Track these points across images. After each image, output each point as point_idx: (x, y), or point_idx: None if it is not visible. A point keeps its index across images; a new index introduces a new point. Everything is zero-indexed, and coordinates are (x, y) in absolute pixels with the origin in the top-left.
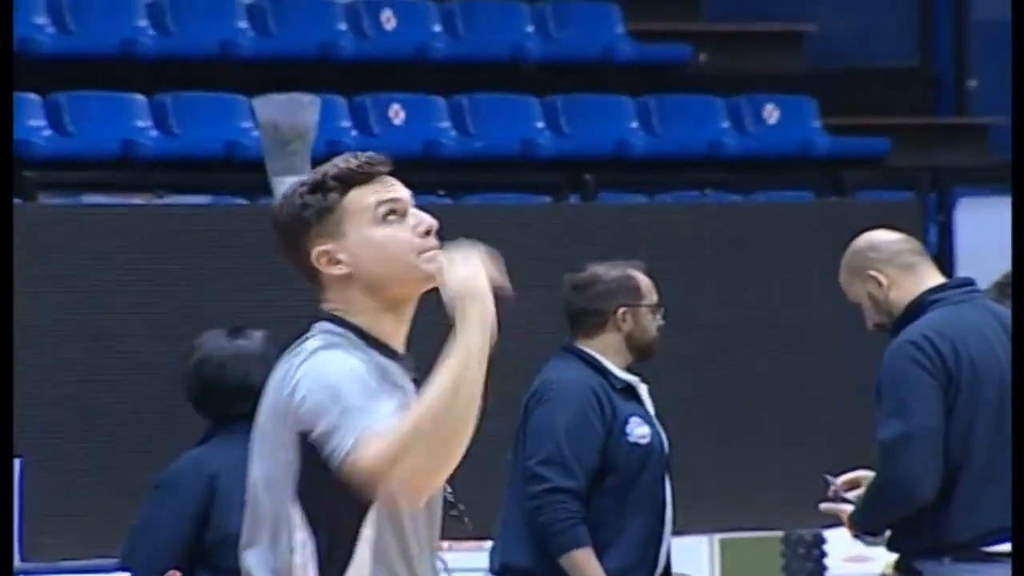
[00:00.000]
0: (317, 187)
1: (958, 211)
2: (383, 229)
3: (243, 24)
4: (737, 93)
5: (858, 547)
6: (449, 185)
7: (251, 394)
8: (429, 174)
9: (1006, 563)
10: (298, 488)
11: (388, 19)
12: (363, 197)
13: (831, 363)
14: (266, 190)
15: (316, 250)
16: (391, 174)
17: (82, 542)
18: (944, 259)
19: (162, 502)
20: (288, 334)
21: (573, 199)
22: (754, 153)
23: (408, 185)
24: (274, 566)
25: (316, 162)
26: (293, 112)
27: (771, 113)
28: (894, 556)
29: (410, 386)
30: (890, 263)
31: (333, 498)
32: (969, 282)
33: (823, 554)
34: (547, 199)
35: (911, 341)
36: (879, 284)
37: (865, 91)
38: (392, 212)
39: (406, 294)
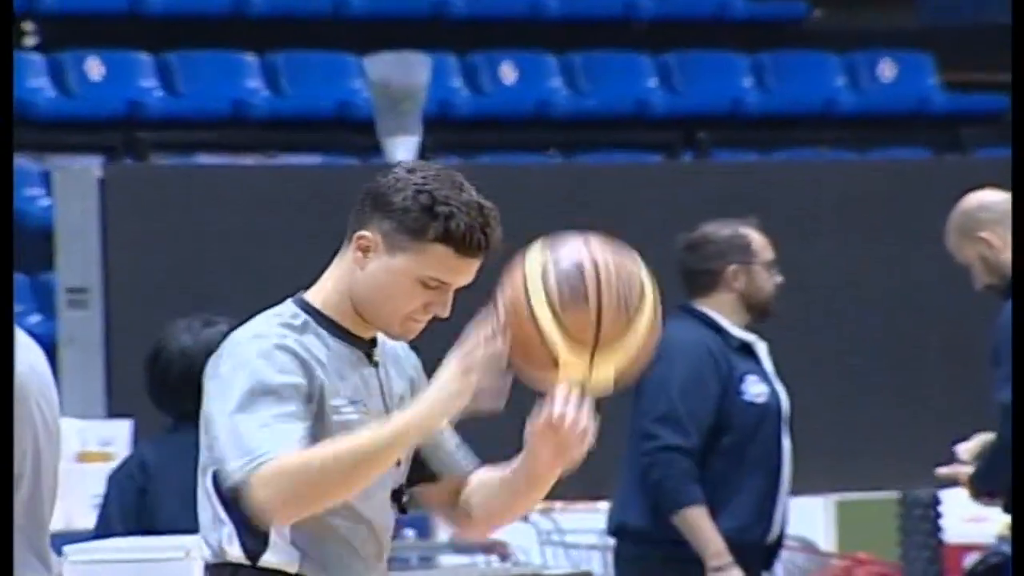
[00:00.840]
0: (429, 212)
1: None
2: (412, 284)
3: None
4: (852, 49)
5: (975, 508)
6: (561, 144)
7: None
8: (541, 133)
9: None
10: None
11: None
12: (436, 259)
13: (947, 322)
14: (377, 149)
15: (370, 233)
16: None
17: None
18: None
19: (108, 498)
20: None
21: (687, 157)
22: (870, 110)
23: (520, 145)
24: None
25: (427, 121)
26: (404, 71)
27: (887, 69)
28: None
29: (369, 370)
30: (1001, 223)
31: None
32: None
33: (939, 515)
34: (660, 157)
35: None
36: (990, 245)
37: (983, 47)
38: (434, 287)
39: (371, 325)
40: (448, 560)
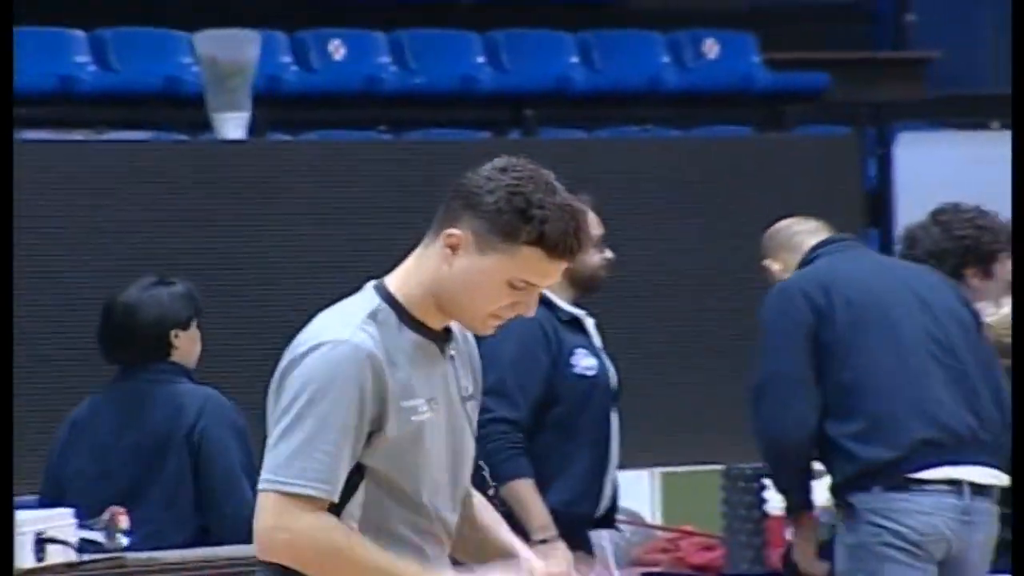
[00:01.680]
0: (523, 215)
1: (897, 145)
2: (500, 284)
3: None
4: (677, 28)
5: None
6: (390, 121)
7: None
8: (369, 110)
9: (938, 493)
10: None
11: None
12: (527, 261)
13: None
14: (206, 125)
15: (460, 232)
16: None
17: None
18: (883, 193)
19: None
20: (222, 276)
21: (514, 134)
22: (694, 88)
23: (349, 121)
24: None
25: (256, 97)
26: (233, 48)
27: (711, 48)
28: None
29: (445, 363)
30: (783, 248)
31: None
32: (850, 237)
33: (762, 488)
34: (488, 134)
35: (779, 290)
36: (777, 269)
37: (805, 26)
38: (521, 288)
39: (443, 315)
40: None
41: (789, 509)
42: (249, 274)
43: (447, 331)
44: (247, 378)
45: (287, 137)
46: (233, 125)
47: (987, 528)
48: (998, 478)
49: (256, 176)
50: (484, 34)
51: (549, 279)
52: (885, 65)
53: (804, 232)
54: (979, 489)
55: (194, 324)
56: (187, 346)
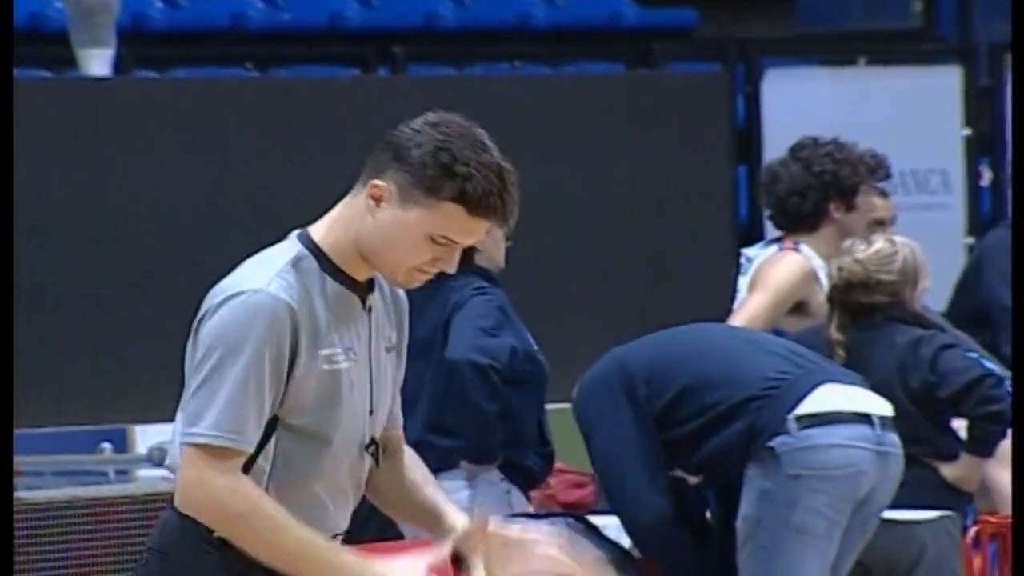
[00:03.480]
0: (447, 171)
1: (765, 82)
2: (421, 238)
3: None
4: None
5: None
6: (257, 58)
7: None
8: (236, 47)
9: (851, 423)
10: None
11: None
12: (448, 217)
13: (639, 235)
14: (71, 62)
15: (384, 183)
16: None
17: None
18: (752, 130)
19: None
20: (87, 215)
21: (382, 71)
22: (563, 25)
23: (215, 59)
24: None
25: (122, 34)
26: None
27: None
28: None
29: (363, 315)
30: None
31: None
32: None
33: None
34: (356, 71)
35: None
36: None
37: None
38: (443, 244)
39: (368, 267)
40: (146, 473)
41: None
42: (114, 213)
43: (370, 282)
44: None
45: (153, 74)
46: (98, 62)
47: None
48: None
49: (121, 113)
50: None
51: (471, 237)
52: (753, 2)
53: None
54: (886, 421)
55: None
56: (490, 250)
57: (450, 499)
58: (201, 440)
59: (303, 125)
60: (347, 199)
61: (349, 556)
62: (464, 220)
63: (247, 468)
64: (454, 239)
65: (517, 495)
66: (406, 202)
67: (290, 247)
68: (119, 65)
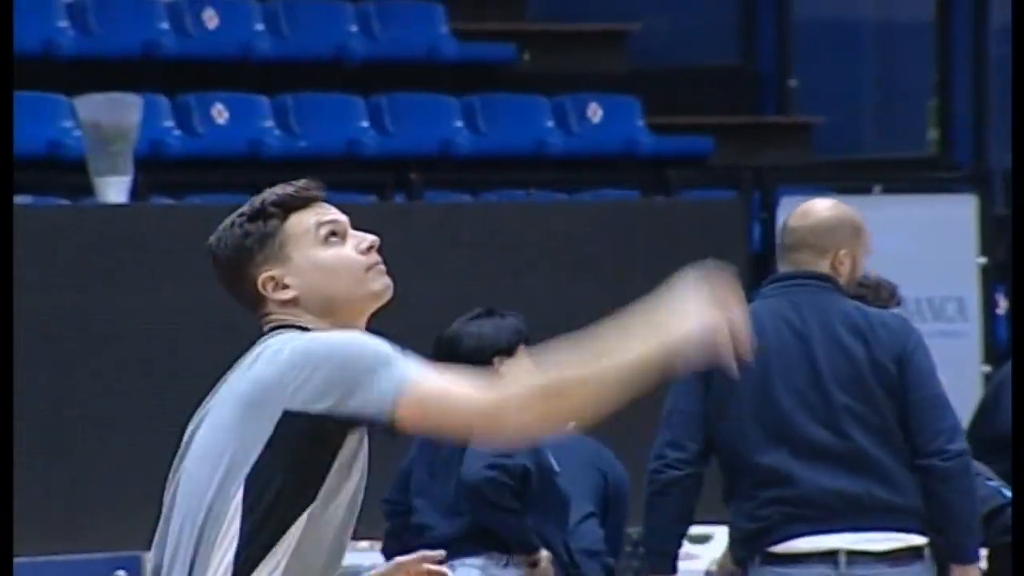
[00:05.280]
0: (256, 215)
1: (781, 209)
2: (328, 250)
3: (64, 23)
4: (561, 93)
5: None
6: (273, 184)
7: None
8: (253, 174)
9: (812, 565)
10: (249, 475)
11: (211, 18)
12: (303, 220)
13: None
14: (88, 190)
15: (262, 277)
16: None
17: None
18: (768, 257)
19: None
20: (114, 334)
21: (399, 198)
22: (579, 152)
23: (232, 185)
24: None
25: (139, 161)
26: (115, 112)
27: (595, 112)
28: (719, 552)
29: None
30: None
31: (281, 488)
32: (786, 277)
33: None
34: (373, 198)
35: None
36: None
37: (688, 90)
38: (333, 234)
39: (355, 313)
40: None
41: None
42: (129, 339)
43: None
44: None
45: (171, 201)
46: (116, 189)
47: None
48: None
49: (139, 239)
50: (368, 98)
51: (333, 214)
52: (768, 129)
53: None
54: (857, 556)
55: (520, 351)
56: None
57: None
58: (421, 382)
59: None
60: (268, 315)
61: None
62: (307, 217)
63: (274, 543)
64: (328, 223)
65: None
66: (282, 259)
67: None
68: (136, 192)
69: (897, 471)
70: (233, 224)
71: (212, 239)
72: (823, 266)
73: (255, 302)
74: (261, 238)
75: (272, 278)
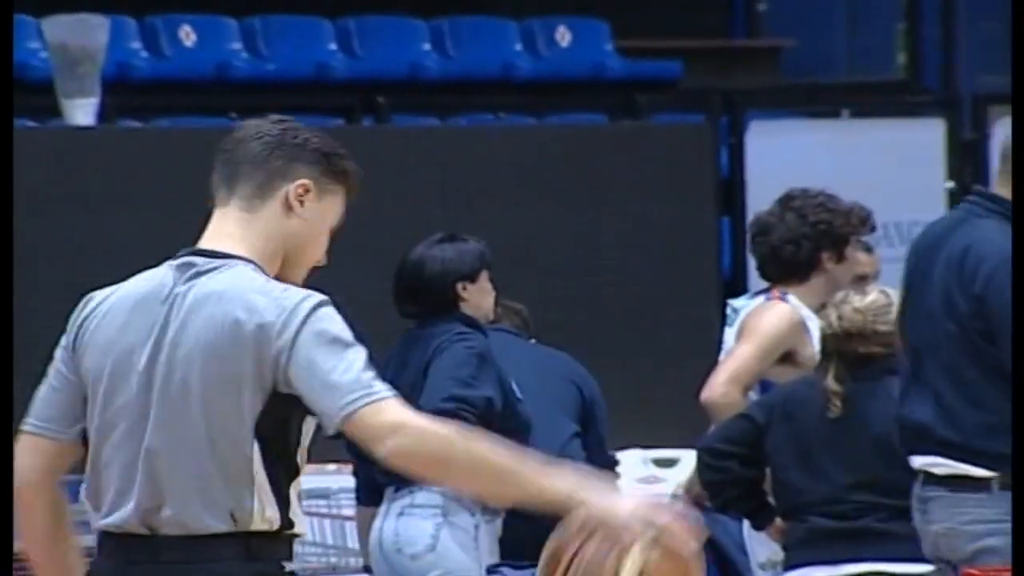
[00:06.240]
0: (338, 157)
1: (749, 133)
2: (328, 229)
3: None
4: (529, 16)
5: (648, 469)
6: (240, 108)
7: None
8: (221, 97)
9: None
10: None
11: None
12: (339, 201)
13: (624, 285)
14: (55, 112)
15: (304, 180)
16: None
17: None
18: (735, 181)
19: None
20: (68, 263)
21: (366, 121)
22: (547, 76)
23: (200, 108)
24: (231, 507)
25: (106, 83)
26: (82, 33)
27: (563, 35)
28: (685, 476)
29: None
30: None
31: (288, 439)
32: None
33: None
34: (340, 121)
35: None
36: None
37: (658, 14)
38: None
39: (287, 277)
40: None
41: None
42: (97, 261)
43: None
44: None
45: (138, 124)
46: (83, 111)
47: None
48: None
49: (106, 162)
50: (336, 21)
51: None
52: (738, 53)
53: None
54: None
55: (483, 277)
56: (476, 298)
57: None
58: (386, 395)
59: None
60: (242, 216)
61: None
62: (341, 203)
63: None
64: (334, 226)
65: (485, 535)
66: (323, 193)
67: (241, 266)
68: (103, 114)
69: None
70: (300, 131)
71: (280, 126)
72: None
73: (265, 191)
74: (333, 167)
75: (307, 187)
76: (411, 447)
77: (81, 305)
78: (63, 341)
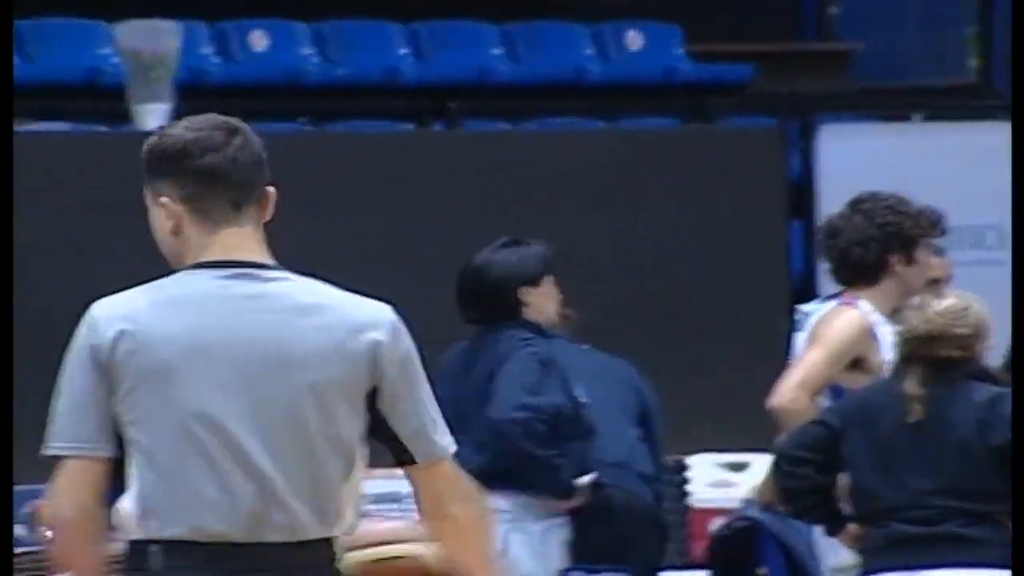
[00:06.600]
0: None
1: (819, 137)
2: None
3: None
4: (600, 20)
5: (720, 473)
6: (312, 112)
7: None
8: (292, 101)
9: None
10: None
11: None
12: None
13: (695, 289)
14: (127, 117)
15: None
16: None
17: None
18: (806, 185)
19: None
20: (144, 266)
21: (437, 126)
22: (618, 80)
23: (271, 113)
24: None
25: (179, 89)
26: (154, 39)
27: (634, 40)
28: (756, 480)
29: None
30: None
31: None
32: None
33: (686, 480)
34: (411, 126)
35: None
36: None
37: (728, 17)
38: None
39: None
40: None
41: None
42: (165, 262)
43: None
44: None
45: None
46: (155, 116)
47: None
48: None
49: None
50: (407, 25)
51: None
52: (808, 56)
53: None
54: None
55: (546, 281)
56: (539, 303)
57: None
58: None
59: (358, 179)
60: (243, 230)
61: None
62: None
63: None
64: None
65: (553, 540)
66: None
67: (297, 277)
68: (175, 119)
69: None
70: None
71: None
72: None
73: (248, 200)
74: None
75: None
76: (477, 520)
77: (98, 318)
78: (83, 356)
